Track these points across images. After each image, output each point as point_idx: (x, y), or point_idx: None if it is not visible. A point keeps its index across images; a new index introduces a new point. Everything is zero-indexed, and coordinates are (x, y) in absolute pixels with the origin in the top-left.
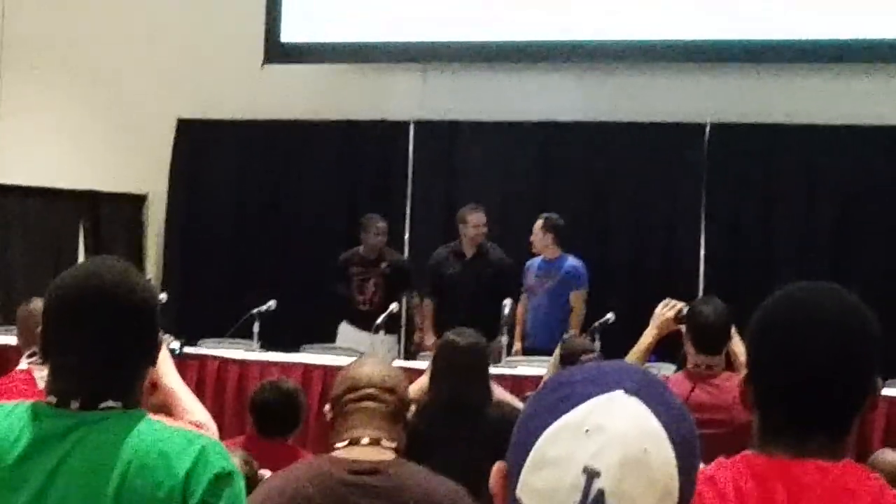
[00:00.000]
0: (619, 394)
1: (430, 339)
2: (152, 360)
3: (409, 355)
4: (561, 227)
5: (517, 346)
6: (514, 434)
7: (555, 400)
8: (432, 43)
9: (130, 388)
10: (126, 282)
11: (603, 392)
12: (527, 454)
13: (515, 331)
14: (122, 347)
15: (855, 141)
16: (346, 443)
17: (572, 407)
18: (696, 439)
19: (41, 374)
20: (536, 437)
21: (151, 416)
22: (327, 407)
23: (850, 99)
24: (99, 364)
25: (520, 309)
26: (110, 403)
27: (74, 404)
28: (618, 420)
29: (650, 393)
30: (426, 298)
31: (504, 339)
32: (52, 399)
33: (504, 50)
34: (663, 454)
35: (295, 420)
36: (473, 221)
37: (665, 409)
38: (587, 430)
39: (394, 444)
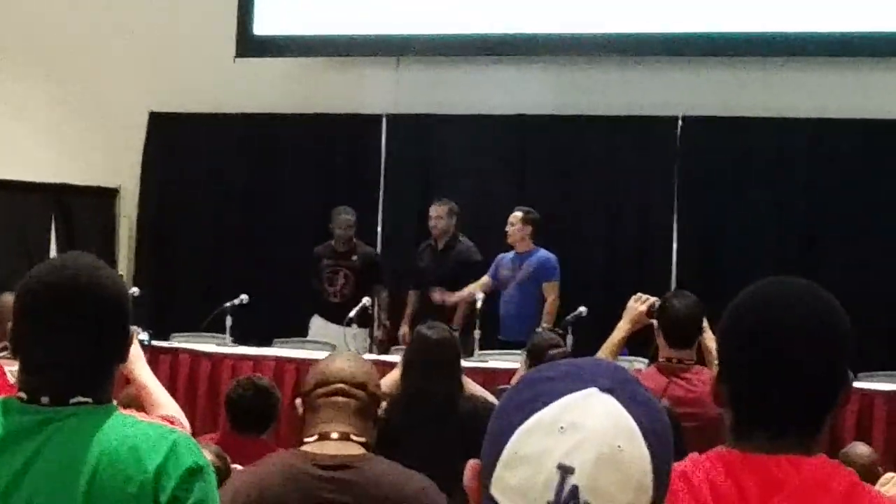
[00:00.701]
0: (593, 391)
1: (403, 329)
2: (123, 355)
3: (381, 349)
4: (538, 222)
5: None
6: (488, 430)
7: (529, 397)
8: (405, 36)
9: (101, 384)
10: (96, 277)
11: (577, 389)
12: (501, 451)
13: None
14: (92, 343)
15: (828, 134)
16: (315, 438)
17: (546, 404)
18: (670, 435)
19: (11, 369)
20: (510, 434)
21: (122, 411)
22: (298, 401)
23: (823, 92)
24: (69, 359)
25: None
26: (81, 399)
27: (45, 400)
28: (592, 417)
29: (624, 390)
30: (410, 290)
31: (477, 333)
32: (23, 394)
33: (477, 43)
34: (638, 451)
35: (269, 417)
36: (431, 213)
37: (639, 406)
38: (561, 428)
39: (363, 439)
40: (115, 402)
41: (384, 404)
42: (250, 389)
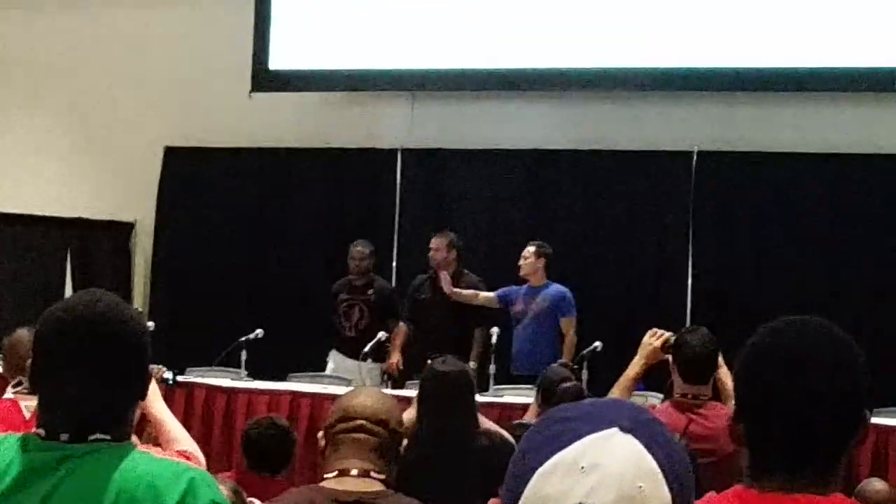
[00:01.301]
0: (614, 431)
1: (394, 358)
2: (142, 393)
3: (396, 384)
4: (551, 255)
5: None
6: (509, 469)
7: (550, 436)
8: (420, 71)
9: (120, 421)
10: (116, 315)
11: (599, 429)
12: (522, 491)
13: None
14: (111, 380)
15: (844, 168)
16: (335, 473)
17: (568, 444)
18: (690, 476)
19: (27, 404)
20: (532, 474)
21: (140, 448)
22: (320, 434)
23: (837, 127)
24: (88, 397)
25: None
26: (99, 436)
27: (64, 436)
28: (613, 458)
29: (646, 431)
30: (401, 322)
31: (492, 368)
32: (42, 431)
33: (491, 78)
34: (658, 492)
35: (287, 458)
36: (431, 245)
37: (660, 447)
38: (583, 468)
39: (383, 476)
40: (133, 439)
41: (406, 441)
42: (270, 429)
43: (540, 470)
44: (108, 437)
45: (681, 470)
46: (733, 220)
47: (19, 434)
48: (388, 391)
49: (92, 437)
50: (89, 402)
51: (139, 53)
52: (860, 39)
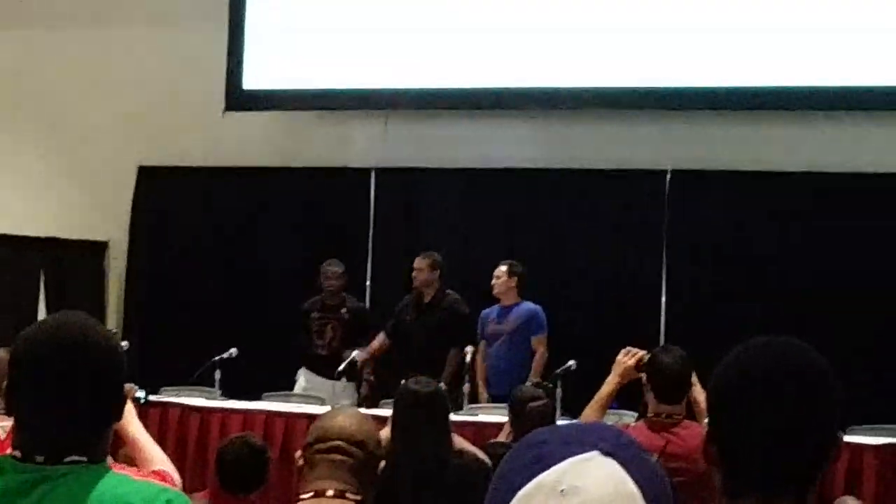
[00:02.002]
0: (594, 454)
1: (362, 356)
2: (118, 413)
3: (368, 403)
4: (523, 275)
5: (484, 395)
6: (490, 491)
7: (529, 459)
8: (393, 90)
9: (96, 442)
10: (91, 336)
11: (578, 452)
12: None
13: (476, 379)
14: (86, 402)
15: (818, 187)
16: (311, 494)
17: (547, 467)
18: (669, 498)
19: (3, 425)
20: (512, 496)
21: (117, 469)
22: (298, 453)
23: (814, 146)
24: (64, 418)
25: (478, 358)
26: (75, 458)
27: (39, 458)
28: (593, 481)
29: (626, 453)
30: (382, 332)
31: (466, 387)
32: (17, 453)
33: (465, 98)
34: None
35: (261, 477)
36: (414, 265)
37: (640, 470)
38: (562, 490)
39: (359, 497)
40: (109, 460)
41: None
42: (244, 448)
43: (520, 493)
44: (84, 459)
45: (660, 492)
46: (707, 239)
47: None
48: (365, 411)
49: (68, 459)
50: (65, 423)
51: (112, 73)
52: (835, 58)
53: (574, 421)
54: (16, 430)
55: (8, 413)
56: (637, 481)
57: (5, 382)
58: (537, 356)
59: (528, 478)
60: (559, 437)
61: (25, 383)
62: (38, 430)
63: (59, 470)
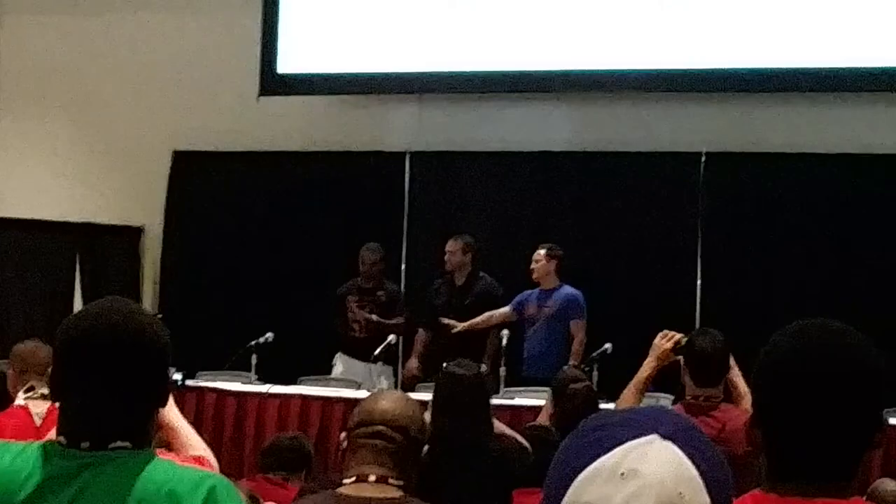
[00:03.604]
0: (654, 437)
1: (412, 364)
2: (162, 400)
3: (407, 386)
4: (562, 257)
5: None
6: (549, 474)
7: (590, 442)
8: (428, 74)
9: (140, 428)
10: (137, 322)
11: (638, 436)
12: (561, 497)
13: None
14: (131, 388)
15: (852, 169)
16: (353, 479)
17: (607, 450)
18: (730, 483)
19: (38, 411)
20: (571, 480)
21: (161, 456)
22: (343, 435)
23: (846, 127)
24: (109, 404)
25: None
26: (120, 444)
27: (84, 444)
28: (653, 464)
29: (685, 437)
30: (420, 328)
31: (503, 370)
32: (62, 439)
33: (499, 80)
34: (698, 498)
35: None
36: (447, 248)
37: (700, 454)
38: (622, 474)
39: (402, 483)
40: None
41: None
42: (287, 440)
43: (580, 476)
44: (128, 445)
45: (720, 476)
46: (742, 221)
47: (40, 442)
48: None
49: (112, 445)
50: (110, 409)
51: (147, 57)
52: (872, 39)
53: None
54: (60, 416)
55: (54, 399)
56: (697, 465)
57: (49, 369)
58: (576, 341)
59: (587, 461)
60: (618, 421)
61: (70, 370)
62: (83, 417)
63: (104, 456)
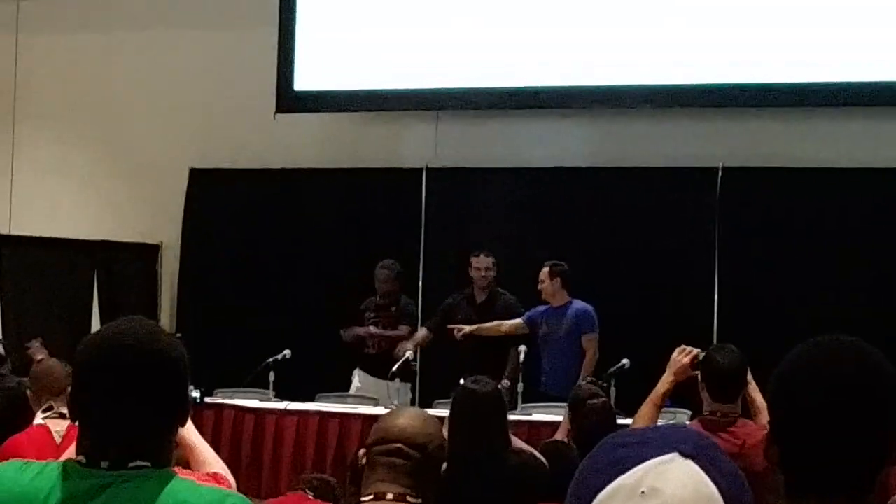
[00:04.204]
0: (674, 456)
1: (403, 346)
2: (182, 419)
3: (423, 403)
4: (567, 273)
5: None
6: (569, 494)
7: (610, 461)
8: (444, 90)
9: (160, 447)
10: (156, 342)
11: (658, 454)
12: None
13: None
14: (151, 408)
15: (870, 183)
16: (371, 497)
17: (629, 468)
18: (750, 502)
19: (57, 429)
20: (591, 499)
21: (181, 475)
22: (361, 452)
23: (863, 142)
24: (129, 424)
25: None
26: (140, 463)
27: (104, 464)
28: (673, 483)
29: (706, 456)
30: (425, 326)
31: (520, 386)
32: (82, 458)
33: (515, 96)
34: None
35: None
36: (476, 264)
37: (720, 473)
38: (642, 492)
39: (419, 500)
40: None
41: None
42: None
43: (601, 494)
44: (148, 465)
45: (740, 495)
46: (759, 236)
47: (61, 461)
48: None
49: (132, 465)
50: (130, 429)
51: (163, 76)
52: (888, 53)
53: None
54: (80, 435)
55: (73, 419)
56: (717, 484)
57: (65, 389)
58: (588, 356)
59: (608, 480)
60: (639, 440)
61: (90, 389)
62: (103, 436)
63: (123, 475)
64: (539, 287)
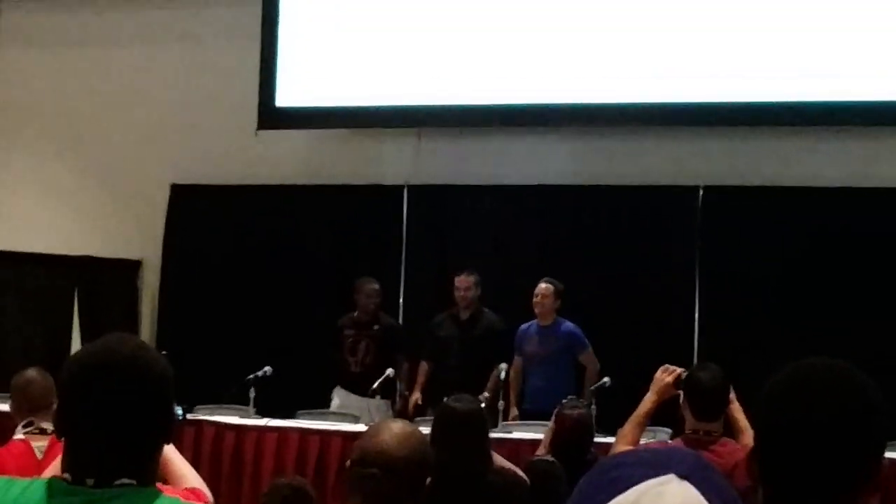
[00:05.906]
0: (671, 477)
1: (414, 396)
2: (168, 436)
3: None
4: (563, 293)
5: (514, 412)
6: None
7: (607, 482)
8: (426, 108)
9: (145, 465)
10: (142, 359)
11: (655, 475)
12: None
13: (510, 396)
14: (137, 425)
15: (851, 203)
16: None
17: (624, 489)
18: None
19: (38, 445)
20: None
21: (165, 493)
22: (348, 464)
23: (844, 161)
24: (114, 441)
25: (512, 374)
26: (125, 480)
27: (90, 481)
28: (670, 503)
29: (702, 476)
30: (423, 360)
31: (501, 404)
32: (68, 475)
33: (497, 114)
34: None
35: None
36: (457, 284)
37: (717, 493)
38: None
39: None
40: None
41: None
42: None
43: None
44: (134, 482)
45: None
46: (740, 255)
47: (45, 478)
48: None
49: (118, 482)
50: (116, 446)
51: (144, 91)
52: (870, 73)
53: (652, 443)
54: (66, 452)
55: (59, 436)
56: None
57: (46, 404)
58: (589, 370)
59: (604, 500)
60: (634, 461)
61: (75, 407)
62: (88, 453)
63: (109, 493)
64: (535, 301)
